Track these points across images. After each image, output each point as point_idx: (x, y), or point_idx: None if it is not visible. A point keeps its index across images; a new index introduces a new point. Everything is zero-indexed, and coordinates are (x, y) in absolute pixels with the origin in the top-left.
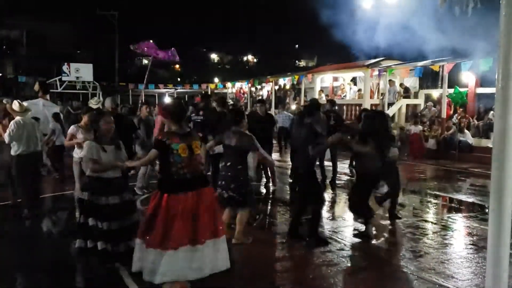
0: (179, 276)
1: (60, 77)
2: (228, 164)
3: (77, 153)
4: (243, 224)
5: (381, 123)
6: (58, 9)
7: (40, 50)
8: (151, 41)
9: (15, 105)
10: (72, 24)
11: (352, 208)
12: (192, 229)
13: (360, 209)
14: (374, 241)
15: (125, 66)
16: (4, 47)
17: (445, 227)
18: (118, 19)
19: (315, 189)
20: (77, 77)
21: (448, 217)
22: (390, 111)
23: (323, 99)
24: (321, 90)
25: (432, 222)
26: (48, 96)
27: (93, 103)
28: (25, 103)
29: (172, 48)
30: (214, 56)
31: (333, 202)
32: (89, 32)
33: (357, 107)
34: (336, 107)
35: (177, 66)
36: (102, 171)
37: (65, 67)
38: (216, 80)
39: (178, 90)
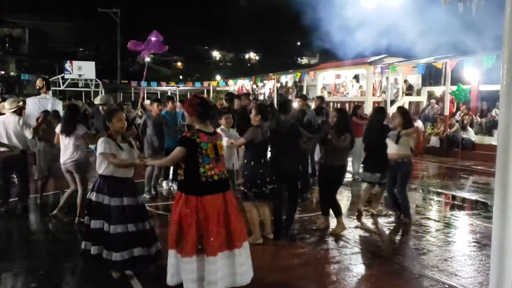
0: (226, 283)
1: (62, 75)
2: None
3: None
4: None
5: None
6: (60, 7)
7: (42, 48)
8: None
9: (7, 102)
10: (74, 22)
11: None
12: (226, 232)
13: (328, 205)
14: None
15: (127, 64)
16: (7, 45)
17: (448, 225)
18: (120, 17)
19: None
20: (80, 75)
21: (451, 214)
22: (392, 109)
23: (325, 97)
24: (323, 88)
25: (435, 220)
26: (50, 93)
27: (99, 100)
28: (34, 99)
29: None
30: (216, 54)
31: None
32: (91, 30)
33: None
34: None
35: (179, 64)
36: (123, 167)
37: (67, 65)
38: (218, 77)
39: (180, 88)
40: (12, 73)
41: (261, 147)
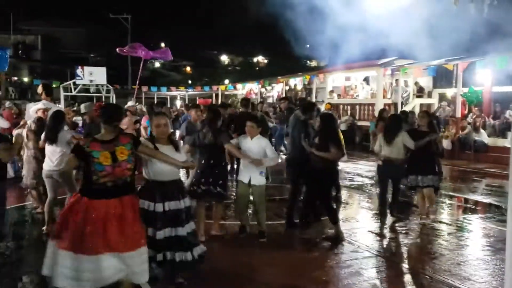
0: (98, 283)
1: (74, 80)
2: None
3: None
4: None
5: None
6: (72, 14)
7: (54, 54)
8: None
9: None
10: (86, 28)
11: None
12: (117, 235)
13: (324, 210)
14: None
15: (137, 69)
16: (20, 52)
17: (460, 228)
18: (131, 23)
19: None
20: (91, 80)
21: (464, 218)
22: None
23: (334, 99)
24: (332, 91)
25: (447, 223)
26: (50, 98)
27: (130, 105)
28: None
29: (166, 48)
30: (224, 58)
31: (346, 204)
32: (102, 36)
33: (370, 107)
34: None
35: (188, 68)
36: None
37: (79, 71)
38: (226, 81)
39: (190, 92)
40: (25, 79)
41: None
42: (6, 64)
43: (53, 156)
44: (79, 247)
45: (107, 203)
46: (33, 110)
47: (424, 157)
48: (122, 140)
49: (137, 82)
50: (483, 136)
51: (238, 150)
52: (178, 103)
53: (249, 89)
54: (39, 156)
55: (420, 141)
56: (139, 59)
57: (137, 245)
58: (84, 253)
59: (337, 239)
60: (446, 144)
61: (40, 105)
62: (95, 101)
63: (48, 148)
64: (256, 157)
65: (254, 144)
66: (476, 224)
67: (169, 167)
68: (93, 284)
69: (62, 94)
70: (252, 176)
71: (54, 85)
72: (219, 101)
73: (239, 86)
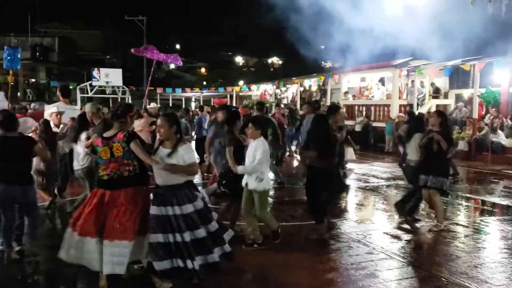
0: (86, 263)
1: (90, 82)
2: None
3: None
4: None
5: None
6: (88, 16)
7: (71, 56)
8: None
9: None
10: (102, 30)
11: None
12: (102, 224)
13: (314, 208)
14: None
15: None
16: (38, 53)
17: (477, 231)
18: (147, 24)
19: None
20: (107, 82)
21: (481, 220)
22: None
23: (349, 100)
24: (347, 92)
25: (464, 225)
26: (67, 100)
27: (151, 107)
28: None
29: (176, 54)
30: (239, 59)
31: (361, 205)
32: (118, 37)
33: (385, 108)
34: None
35: (203, 70)
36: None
37: (95, 72)
38: (241, 83)
39: (204, 94)
40: (42, 81)
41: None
42: (19, 63)
43: (78, 155)
44: (76, 226)
45: (104, 193)
46: (48, 113)
47: (433, 157)
48: (119, 137)
49: (148, 84)
50: (501, 137)
51: (231, 155)
52: (193, 104)
53: (263, 90)
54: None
55: (420, 141)
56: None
57: (119, 237)
58: (75, 231)
59: (321, 239)
60: (462, 145)
61: (54, 108)
62: (110, 103)
63: (76, 148)
64: (249, 160)
65: (250, 147)
66: (493, 226)
67: (164, 172)
68: (76, 261)
69: (79, 95)
70: (248, 181)
71: (71, 87)
72: (234, 102)
73: (253, 87)
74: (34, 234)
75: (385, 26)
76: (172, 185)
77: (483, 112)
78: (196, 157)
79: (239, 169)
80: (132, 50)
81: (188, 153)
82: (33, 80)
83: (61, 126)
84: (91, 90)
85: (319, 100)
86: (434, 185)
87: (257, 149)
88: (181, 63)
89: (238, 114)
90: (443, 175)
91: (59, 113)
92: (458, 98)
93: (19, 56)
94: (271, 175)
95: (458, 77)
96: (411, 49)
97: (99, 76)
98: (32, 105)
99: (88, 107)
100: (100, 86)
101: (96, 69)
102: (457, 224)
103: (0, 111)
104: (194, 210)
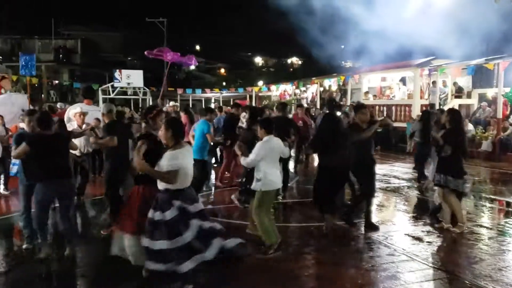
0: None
1: (112, 83)
2: None
3: None
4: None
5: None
6: (110, 18)
7: (93, 58)
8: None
9: None
10: (123, 32)
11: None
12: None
13: (322, 202)
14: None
15: (173, 72)
16: (61, 56)
17: (502, 233)
18: (167, 26)
19: None
20: (128, 83)
21: (506, 222)
22: None
23: (370, 100)
24: (367, 92)
25: (487, 227)
26: (91, 101)
27: (170, 106)
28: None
29: (191, 55)
30: (258, 60)
31: (382, 206)
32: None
33: (407, 108)
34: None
35: (223, 70)
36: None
37: (116, 74)
38: (260, 83)
39: (224, 94)
40: (65, 82)
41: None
42: (34, 69)
43: None
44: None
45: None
46: (72, 113)
47: (445, 157)
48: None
49: (163, 85)
50: None
51: (241, 148)
52: (213, 105)
53: (283, 90)
54: None
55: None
56: (175, 63)
57: (127, 229)
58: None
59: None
60: (486, 145)
61: (77, 109)
62: (132, 104)
63: None
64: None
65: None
66: None
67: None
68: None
69: (101, 96)
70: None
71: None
72: (253, 103)
73: (273, 87)
74: (75, 231)
75: (405, 25)
76: (165, 188)
77: (508, 112)
78: (177, 166)
79: (241, 160)
80: (146, 53)
81: (168, 160)
82: (57, 81)
83: (84, 126)
84: (113, 91)
85: (333, 99)
86: (446, 184)
87: (257, 146)
88: (197, 63)
89: (259, 112)
90: (456, 176)
91: (82, 114)
92: (482, 97)
93: (34, 62)
94: (273, 176)
95: (482, 76)
96: (431, 48)
97: (121, 78)
98: (59, 104)
99: (102, 107)
100: (121, 87)
101: (117, 70)
102: (481, 226)
103: (31, 110)
104: (162, 219)
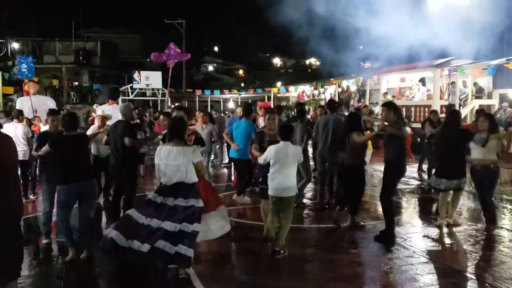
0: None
1: (131, 84)
2: None
3: None
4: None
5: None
6: (129, 20)
7: (113, 60)
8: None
9: None
10: (142, 34)
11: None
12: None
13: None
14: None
15: (192, 73)
16: (81, 57)
17: None
18: (185, 27)
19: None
20: (147, 85)
21: None
22: (462, 113)
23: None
24: (386, 92)
25: (508, 230)
26: (115, 102)
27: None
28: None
29: (186, 54)
30: (276, 61)
31: (401, 208)
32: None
33: (426, 108)
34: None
35: (241, 71)
36: None
37: (135, 75)
38: (278, 84)
39: (242, 95)
40: (85, 84)
41: None
42: (32, 71)
43: None
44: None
45: None
46: (98, 113)
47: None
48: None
49: (168, 85)
50: None
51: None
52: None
53: (301, 91)
54: None
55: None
56: (193, 63)
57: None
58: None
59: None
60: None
61: (99, 111)
62: (150, 104)
63: None
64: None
65: None
66: None
67: None
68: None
69: (120, 98)
70: None
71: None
72: (272, 104)
73: (291, 88)
74: (95, 233)
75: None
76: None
77: None
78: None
79: (259, 159)
80: (152, 57)
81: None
82: (77, 83)
83: (105, 127)
84: (132, 93)
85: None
86: (449, 189)
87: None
88: (189, 56)
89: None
90: (461, 176)
91: (103, 117)
92: (503, 98)
93: (32, 64)
94: (273, 184)
95: (503, 76)
96: (451, 49)
97: (140, 79)
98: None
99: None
100: (140, 89)
101: (136, 72)
102: (502, 228)
103: (53, 110)
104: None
